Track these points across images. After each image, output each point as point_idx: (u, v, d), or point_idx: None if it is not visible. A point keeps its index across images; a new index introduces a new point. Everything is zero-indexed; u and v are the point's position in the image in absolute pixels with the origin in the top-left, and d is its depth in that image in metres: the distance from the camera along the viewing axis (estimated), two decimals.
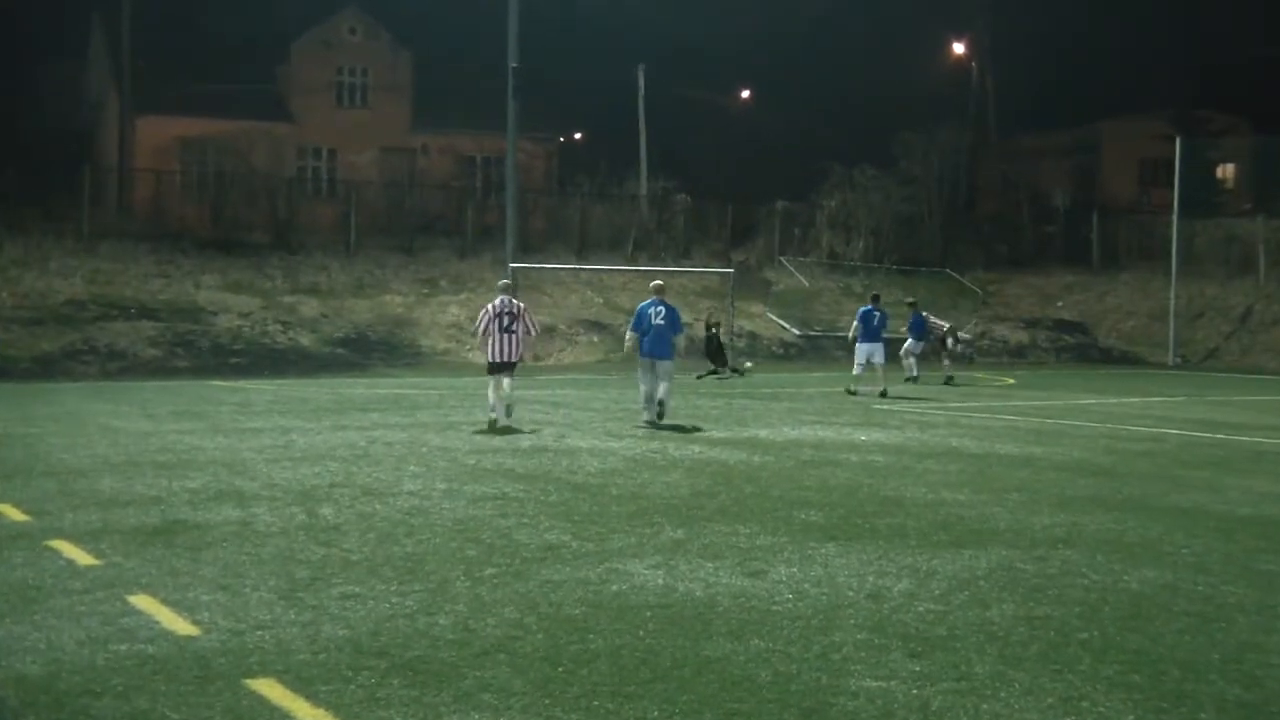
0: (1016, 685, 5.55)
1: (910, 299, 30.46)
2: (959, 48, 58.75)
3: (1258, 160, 52.97)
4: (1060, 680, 5.63)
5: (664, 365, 17.54)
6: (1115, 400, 24.01)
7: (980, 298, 45.57)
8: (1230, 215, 49.22)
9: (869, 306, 24.53)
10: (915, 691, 5.45)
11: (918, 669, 5.77)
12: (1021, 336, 42.58)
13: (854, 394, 23.67)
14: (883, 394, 23.17)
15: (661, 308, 17.64)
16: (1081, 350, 42.10)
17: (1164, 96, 54.86)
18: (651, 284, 18.93)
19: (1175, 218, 41.86)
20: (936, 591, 7.31)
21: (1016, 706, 5.28)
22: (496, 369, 16.92)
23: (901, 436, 16.34)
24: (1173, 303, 40.18)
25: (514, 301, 17.31)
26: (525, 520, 9.61)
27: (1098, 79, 59.80)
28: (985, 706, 5.28)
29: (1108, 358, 41.18)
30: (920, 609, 6.88)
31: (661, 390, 17.37)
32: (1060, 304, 46.31)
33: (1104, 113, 57.74)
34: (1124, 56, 60.37)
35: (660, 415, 17.30)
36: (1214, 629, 6.56)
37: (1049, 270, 48.87)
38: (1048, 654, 6.06)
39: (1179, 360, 39.10)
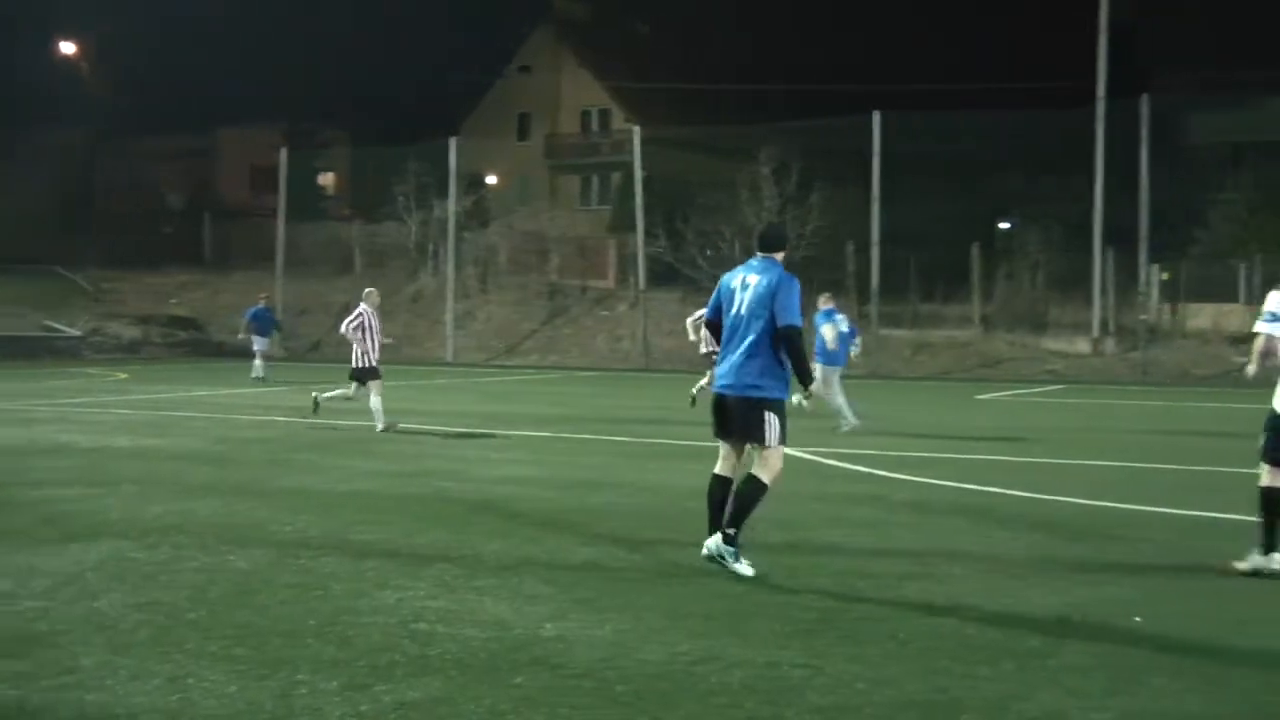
0: (123, 671, 5.34)
1: (263, 294, 30.65)
2: (68, 48, 55.57)
3: (356, 171, 56.13)
4: (168, 661, 5.50)
5: None
6: (227, 391, 24.15)
7: (92, 295, 43.75)
8: (332, 219, 51.71)
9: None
10: (14, 692, 5.04)
11: (19, 669, 5.34)
12: (135, 333, 41.47)
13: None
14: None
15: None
16: (195, 345, 41.89)
17: (275, 108, 56.19)
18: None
19: (281, 220, 43.24)
20: (39, 589, 6.84)
21: (122, 692, 5.08)
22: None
23: (5, 434, 15.17)
24: (280, 299, 41.19)
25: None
26: None
27: (215, 88, 59.72)
28: (90, 697, 5.01)
29: (220, 352, 41.28)
30: (22, 607, 6.40)
31: None
32: (174, 301, 45.77)
33: (220, 120, 57.95)
34: (239, 68, 60.88)
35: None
36: (312, 598, 6.77)
37: (165, 268, 48.09)
38: (157, 637, 5.90)
39: (285, 352, 40.15)
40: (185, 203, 55.62)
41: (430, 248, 44.40)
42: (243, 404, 21.00)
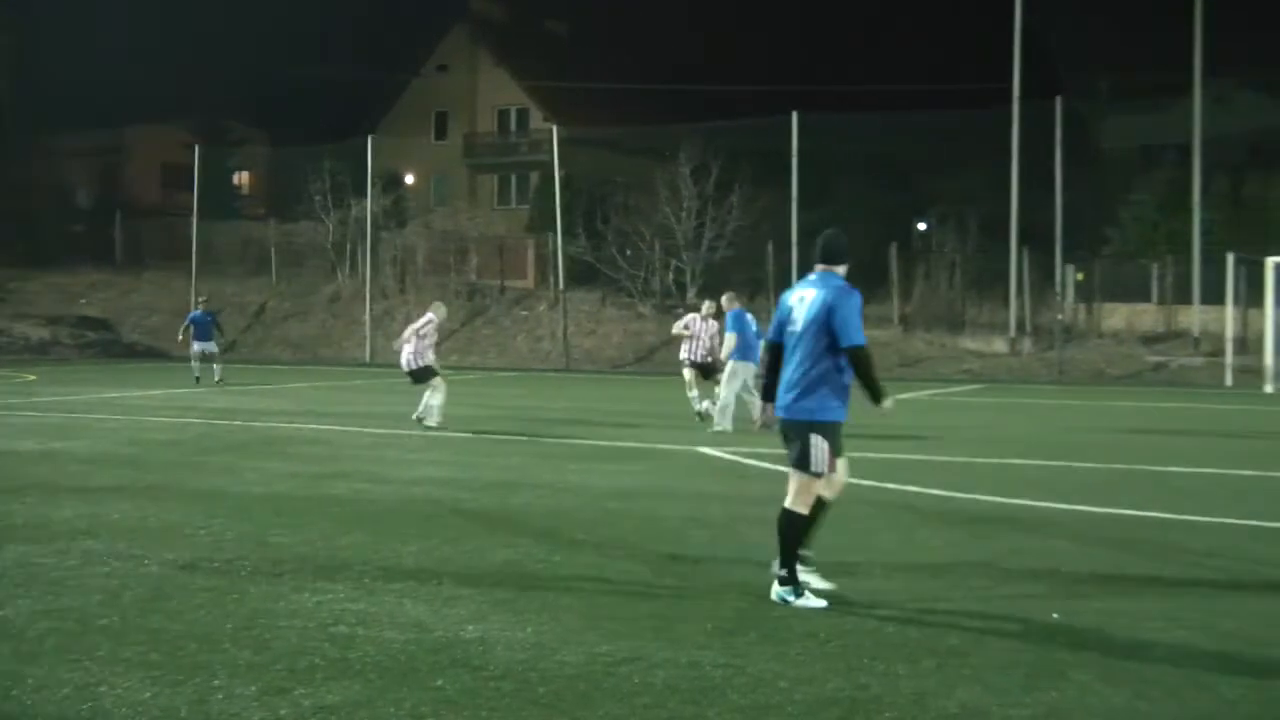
0: (30, 680, 5.22)
1: (202, 297, 31.26)
2: None
3: (272, 169, 55.46)
4: (78, 669, 5.39)
5: None
6: (140, 393, 23.74)
7: None
8: (247, 219, 51.06)
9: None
10: None
11: None
12: (43, 334, 40.67)
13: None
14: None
15: None
16: (105, 346, 41.18)
17: (186, 106, 55.32)
18: None
19: (195, 220, 42.60)
20: None
21: (29, 702, 4.96)
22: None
23: None
24: (193, 297, 40.59)
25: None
26: None
27: (122, 85, 58.66)
28: None
29: (132, 353, 40.65)
30: None
31: None
32: (84, 301, 44.96)
33: (130, 118, 56.94)
34: (147, 65, 59.90)
35: None
36: (228, 602, 6.66)
37: (74, 268, 47.23)
38: (66, 645, 5.78)
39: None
40: (94, 201, 54.58)
41: (348, 247, 44.00)
42: (156, 406, 20.65)
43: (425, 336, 16.96)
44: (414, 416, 16.84)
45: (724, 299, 17.64)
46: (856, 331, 6.73)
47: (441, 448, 14.68)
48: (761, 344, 17.92)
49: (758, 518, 9.64)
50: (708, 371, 18.45)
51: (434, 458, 13.60)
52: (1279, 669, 5.70)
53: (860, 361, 6.74)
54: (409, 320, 38.99)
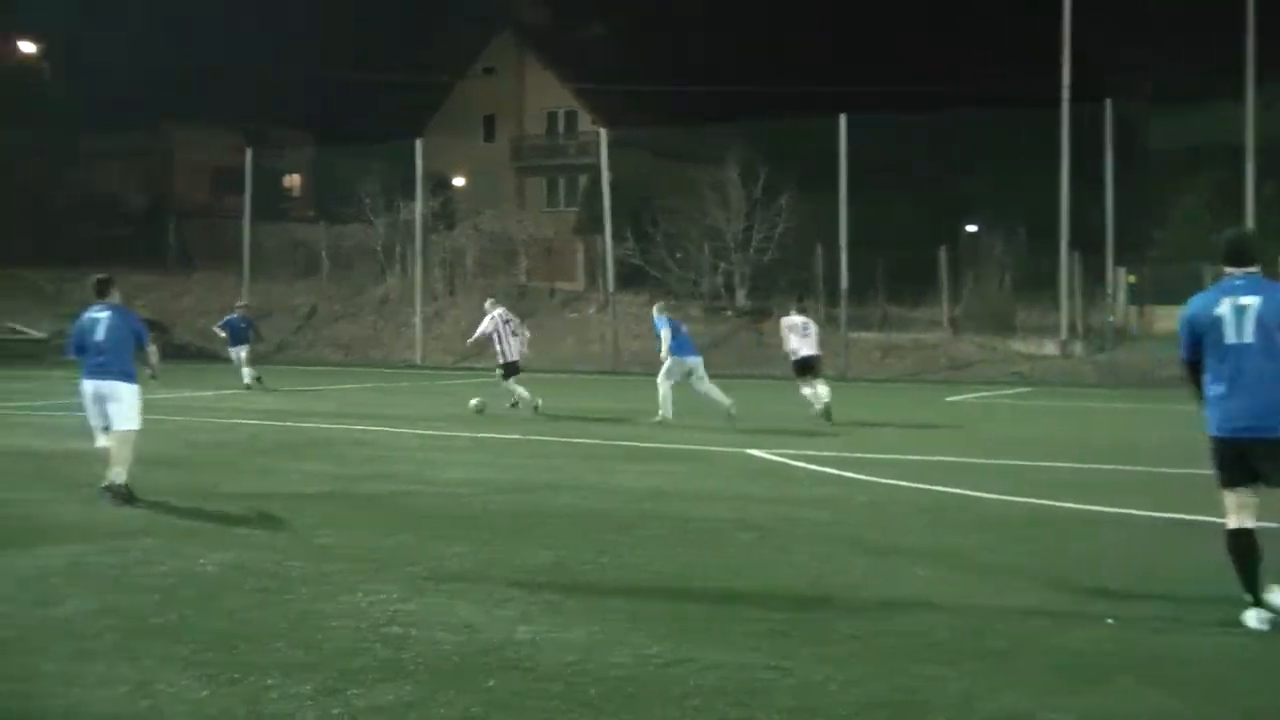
0: (89, 677, 5.34)
1: (240, 302, 31.55)
2: (28, 47, 54.81)
3: (319, 172, 55.90)
4: (135, 667, 5.50)
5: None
6: (191, 394, 23.98)
7: (53, 297, 43.44)
8: (296, 221, 51.52)
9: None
10: None
11: None
12: None
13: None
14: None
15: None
16: (159, 348, 41.60)
17: (233, 108, 55.82)
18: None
19: (247, 222, 43.02)
20: (1, 593, 6.82)
21: (87, 699, 5.08)
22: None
23: None
24: (244, 299, 40.95)
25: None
26: None
27: (168, 86, 59.22)
28: (52, 704, 5.01)
29: (183, 354, 41.06)
30: None
31: None
32: (139, 303, 45.47)
33: (175, 119, 57.50)
34: (194, 66, 60.45)
35: None
36: (279, 601, 6.77)
37: (124, 271, 47.71)
38: (122, 643, 5.89)
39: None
40: (147, 204, 55.17)
41: (397, 250, 44.25)
42: (207, 407, 20.88)
43: (500, 332, 19.27)
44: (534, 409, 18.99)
45: (655, 308, 19.10)
46: None
47: (486, 449, 14.78)
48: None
49: (802, 519, 9.67)
50: (812, 370, 18.69)
51: (479, 459, 13.69)
52: None
53: None
54: (458, 323, 38.95)
